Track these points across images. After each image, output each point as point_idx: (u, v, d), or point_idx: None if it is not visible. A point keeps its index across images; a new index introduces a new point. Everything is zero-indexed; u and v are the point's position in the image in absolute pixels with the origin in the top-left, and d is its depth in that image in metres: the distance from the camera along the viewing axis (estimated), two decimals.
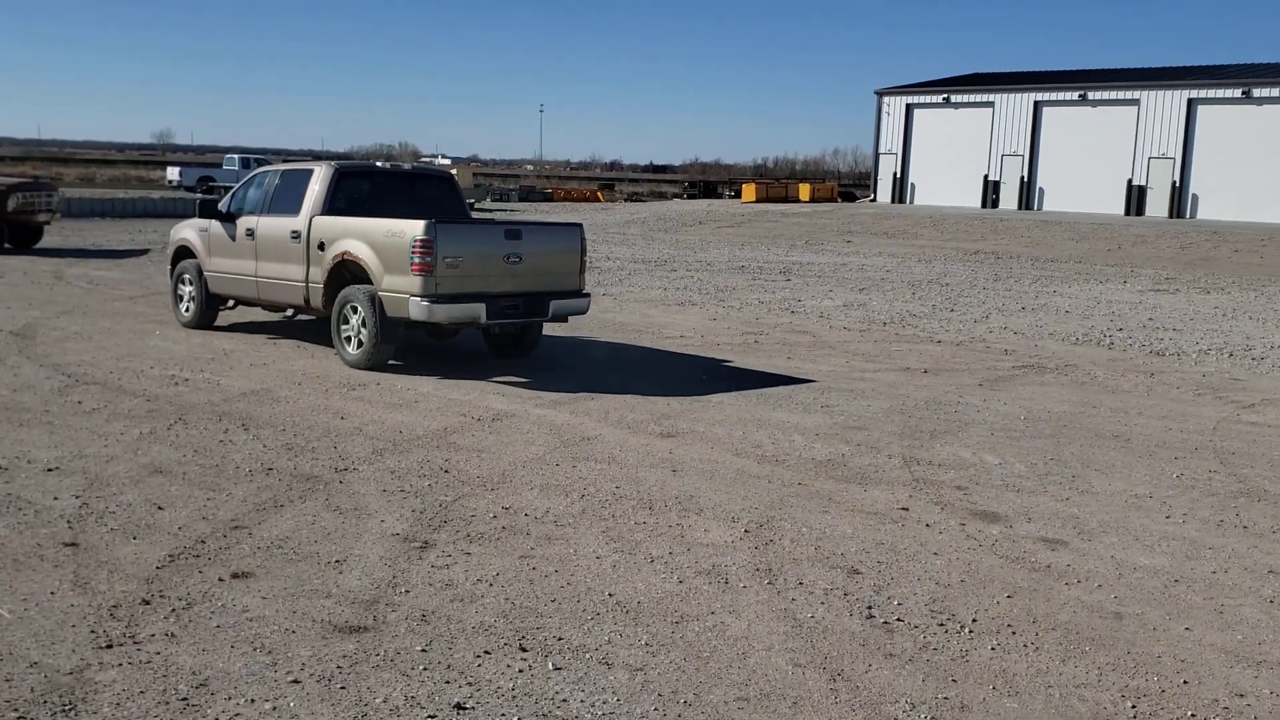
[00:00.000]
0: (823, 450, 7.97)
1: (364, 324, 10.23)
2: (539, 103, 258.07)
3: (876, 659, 4.52)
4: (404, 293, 9.83)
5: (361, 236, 10.31)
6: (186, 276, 12.69)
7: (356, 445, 7.64)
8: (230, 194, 12.31)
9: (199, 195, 13.51)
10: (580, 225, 11.17)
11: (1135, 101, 46.36)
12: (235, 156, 53.35)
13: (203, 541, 5.61)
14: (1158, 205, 45.06)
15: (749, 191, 57.50)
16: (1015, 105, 50.22)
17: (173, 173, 54.75)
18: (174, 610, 4.73)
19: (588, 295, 11.13)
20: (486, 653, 4.43)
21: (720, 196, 65.62)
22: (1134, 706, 4.18)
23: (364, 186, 11.41)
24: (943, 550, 5.91)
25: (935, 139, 52.93)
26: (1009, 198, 50.11)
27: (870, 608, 5.06)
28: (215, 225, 12.14)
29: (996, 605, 5.15)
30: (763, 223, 38.54)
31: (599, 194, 61.57)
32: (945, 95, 53.09)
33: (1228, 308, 17.87)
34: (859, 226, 36.97)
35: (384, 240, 10.04)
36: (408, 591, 5.04)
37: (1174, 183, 44.54)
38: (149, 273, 18.84)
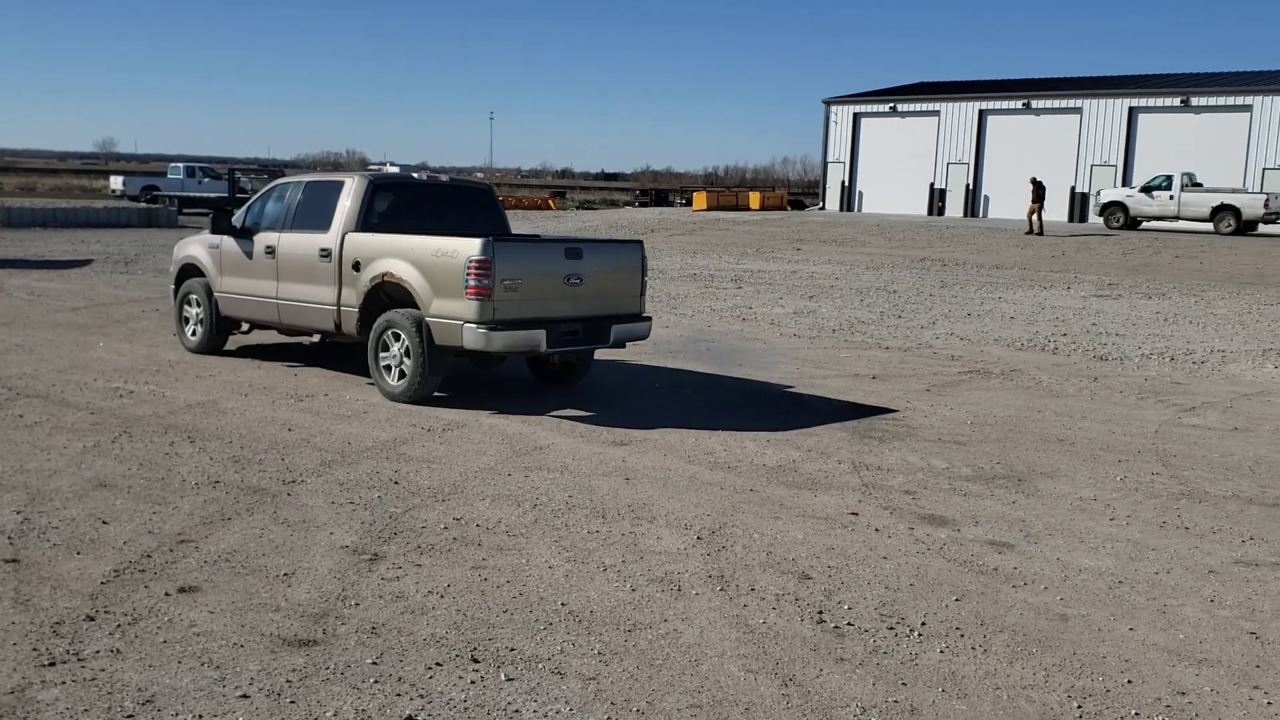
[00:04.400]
0: (774, 456, 8.02)
1: (407, 353, 9.24)
2: (489, 110, 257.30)
3: (827, 663, 4.55)
4: (456, 318, 8.84)
5: (406, 256, 9.30)
6: (193, 297, 11.59)
7: (304, 457, 7.56)
8: (245, 208, 11.27)
9: (212, 210, 12.23)
10: (641, 242, 10.22)
11: (1078, 110, 47.21)
12: (180, 165, 52.61)
13: (148, 556, 5.52)
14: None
15: (700, 200, 57.71)
16: (960, 114, 50.93)
17: (116, 182, 53.92)
18: (119, 626, 4.66)
19: (649, 319, 10.14)
20: (438, 664, 4.41)
21: (671, 204, 65.79)
22: (1080, 706, 4.25)
23: (399, 199, 10.37)
24: (892, 554, 5.97)
25: (882, 147, 53.52)
26: (955, 205, 50.77)
27: (821, 612, 5.10)
28: (228, 242, 11.11)
29: (945, 608, 5.21)
30: (714, 230, 38.72)
31: (550, 201, 61.47)
32: (892, 104, 53.71)
33: (1169, 313, 18.23)
34: (808, 234, 37.27)
35: (433, 260, 9.04)
36: (357, 604, 5.00)
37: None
38: (92, 283, 18.54)
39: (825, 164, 56.50)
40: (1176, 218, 38.12)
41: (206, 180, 49.59)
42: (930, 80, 60.58)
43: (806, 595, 5.32)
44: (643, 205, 65.17)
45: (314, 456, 7.58)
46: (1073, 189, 46.34)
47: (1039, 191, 36.18)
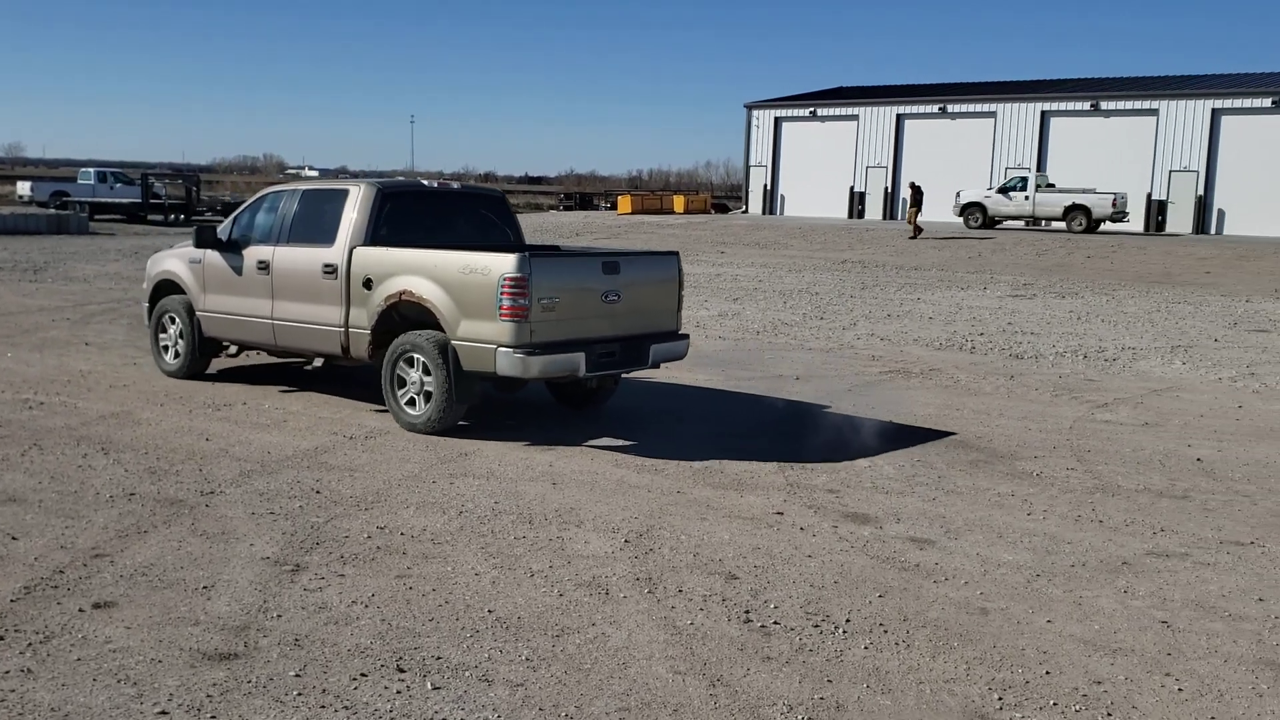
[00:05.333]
0: (700, 458, 8.06)
1: (430, 378, 8.47)
2: (409, 113, 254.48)
3: (754, 662, 4.59)
4: (488, 342, 8.04)
5: (427, 273, 8.42)
6: (171, 316, 10.57)
7: (223, 467, 7.42)
8: (233, 219, 10.22)
9: (197, 222, 11.09)
10: (677, 254, 9.51)
11: (992, 114, 48.23)
12: (91, 170, 51.25)
13: (61, 571, 5.37)
14: None
15: (625, 203, 57.78)
16: (878, 118, 51.73)
17: (24, 187, 52.24)
18: (30, 644, 4.52)
19: (686, 337, 9.42)
20: (363, 675, 4.35)
21: (596, 208, 65.81)
22: (1000, 698, 4.34)
23: (409, 209, 9.43)
24: (816, 553, 6.04)
25: (803, 151, 54.13)
26: (874, 208, 51.53)
27: (748, 612, 5.14)
28: (212, 256, 10.11)
29: (869, 605, 5.29)
30: (639, 234, 38.80)
31: None
32: (812, 109, 54.37)
33: (1082, 312, 18.70)
34: (732, 238, 37.54)
35: (460, 278, 8.20)
36: (279, 616, 4.91)
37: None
38: None
39: (748, 168, 56.98)
40: (1032, 217, 40.06)
41: (119, 185, 48.35)
42: (849, 85, 61.48)
43: (733, 595, 5.35)
44: (567, 209, 65.09)
45: (233, 466, 7.44)
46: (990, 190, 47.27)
47: (917, 196, 37.16)
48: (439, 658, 4.54)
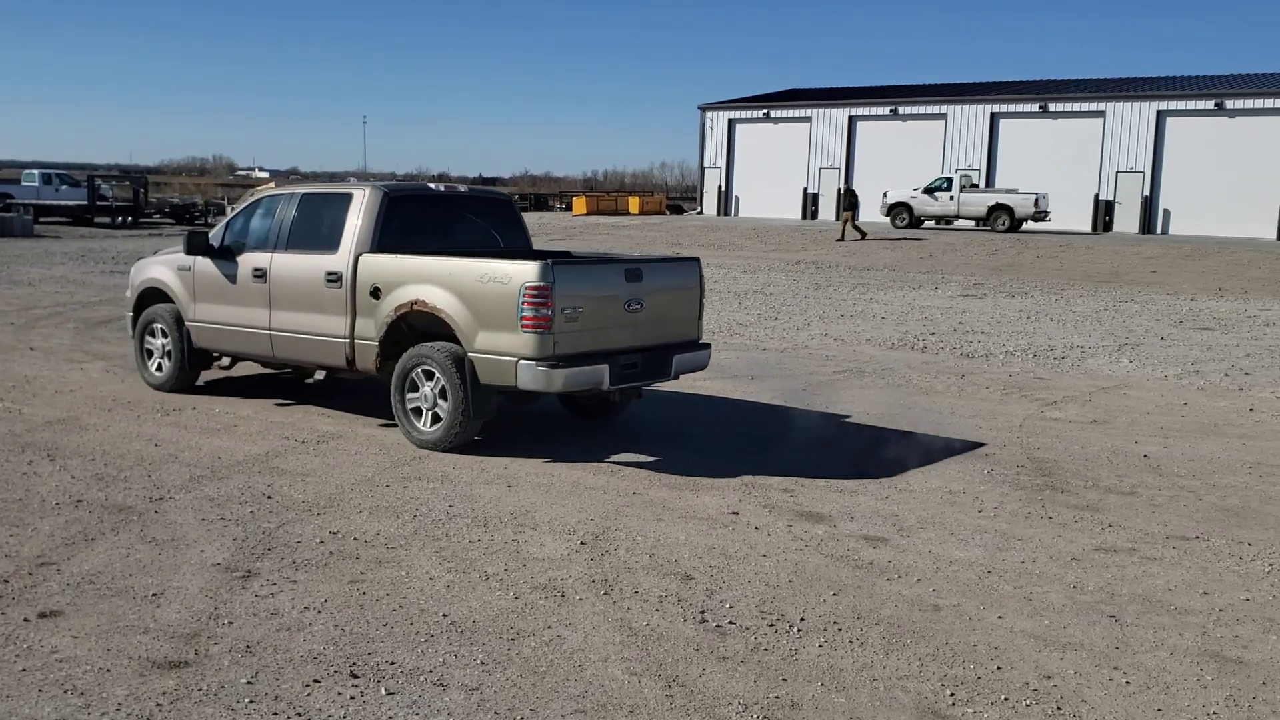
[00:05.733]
0: (655, 459, 8.07)
1: (443, 394, 8.01)
2: (362, 114, 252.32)
3: (710, 662, 4.60)
4: (508, 354, 7.65)
5: (441, 281, 8.00)
6: (158, 327, 10.07)
7: (172, 473, 7.32)
8: (225, 224, 9.72)
9: (187, 229, 10.19)
10: (698, 260, 9.12)
11: (943, 115, 48.72)
12: (35, 172, 50.29)
13: (5, 581, 5.27)
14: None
15: (580, 204, 57.72)
16: (831, 120, 52.09)
17: None
18: None
19: (708, 346, 9.06)
20: (316, 681, 4.31)
21: (551, 209, 65.71)
22: (952, 694, 4.38)
23: (415, 214, 9.00)
24: (771, 552, 6.07)
25: (757, 153, 54.39)
26: (827, 209, 51.86)
27: (703, 612, 5.15)
28: (203, 263, 9.62)
29: (823, 603, 5.32)
30: (594, 235, 38.79)
31: None
32: (765, 110, 54.62)
33: (1031, 311, 18.95)
34: (687, 239, 37.64)
35: (477, 287, 7.78)
36: (231, 623, 4.86)
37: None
38: None
39: (702, 169, 57.15)
40: (956, 216, 40.89)
41: (65, 187, 47.48)
42: (802, 87, 61.85)
43: (689, 596, 5.37)
44: (522, 210, 64.84)
45: (182, 472, 7.34)
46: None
47: (851, 200, 37.66)
48: (393, 663, 4.51)
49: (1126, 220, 43.87)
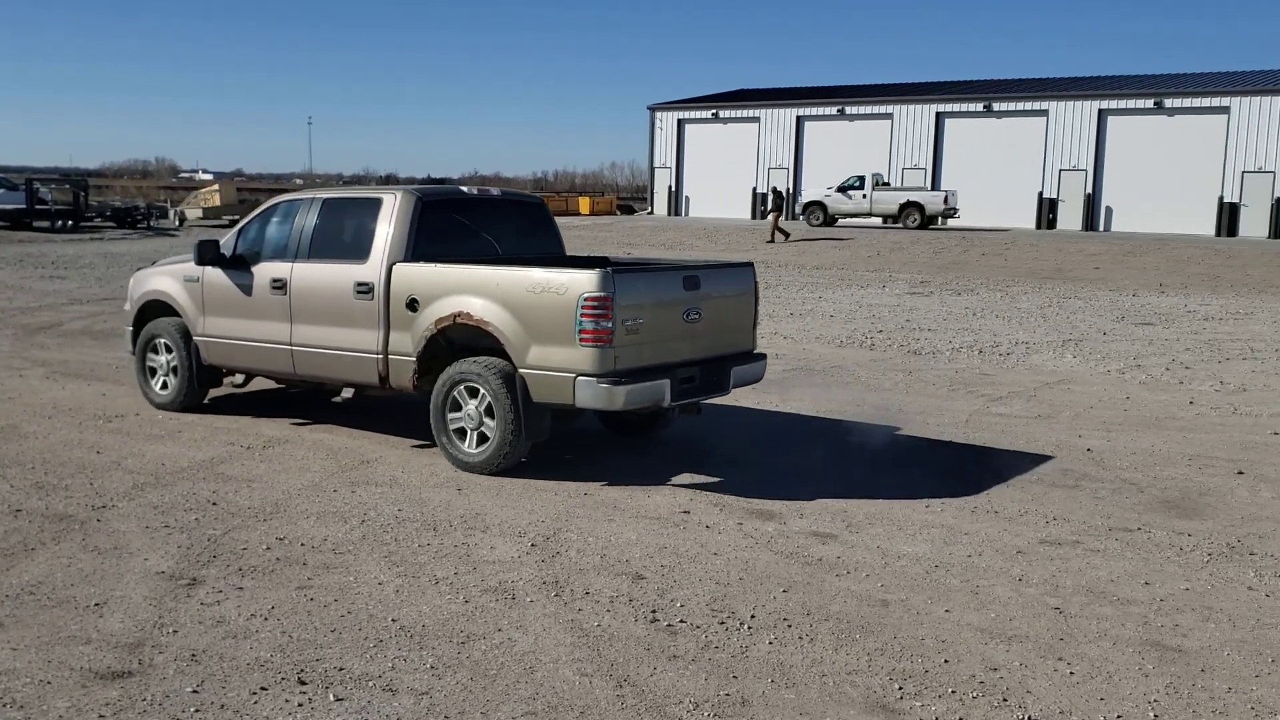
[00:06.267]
0: (607, 459, 8.07)
1: (489, 412, 7.50)
2: (307, 115, 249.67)
3: (661, 661, 4.61)
4: (565, 370, 7.16)
5: (488, 292, 7.48)
6: (162, 342, 9.45)
7: (115, 481, 7.20)
8: (237, 232, 9.11)
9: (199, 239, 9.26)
10: (752, 265, 8.53)
11: (889, 115, 49.18)
12: None
13: None
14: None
15: None
16: (779, 120, 52.39)
17: None
18: None
19: (764, 357, 8.56)
20: (263, 689, 4.26)
21: None
22: (900, 688, 4.43)
23: (450, 219, 8.43)
24: (722, 550, 6.09)
25: (707, 153, 54.56)
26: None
27: (654, 611, 5.16)
28: (213, 274, 9.02)
29: (773, 600, 5.35)
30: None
31: None
32: (714, 111, 54.81)
33: (977, 308, 19.19)
34: (638, 239, 37.68)
35: (528, 298, 7.28)
36: (175, 632, 4.79)
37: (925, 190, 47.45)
38: None
39: (652, 169, 57.23)
40: (869, 214, 41.81)
41: (2, 191, 46.55)
42: (751, 88, 62.14)
43: (640, 595, 5.37)
44: None
45: (125, 479, 7.23)
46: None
47: (779, 201, 38.09)
48: (341, 669, 4.47)
49: (1070, 217, 44.55)
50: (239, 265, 8.91)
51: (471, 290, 7.59)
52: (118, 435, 8.53)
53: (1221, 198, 41.19)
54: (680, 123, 55.66)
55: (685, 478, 7.61)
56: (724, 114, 54.45)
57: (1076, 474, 7.95)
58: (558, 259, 9.03)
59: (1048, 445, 8.83)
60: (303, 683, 4.33)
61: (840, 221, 42.99)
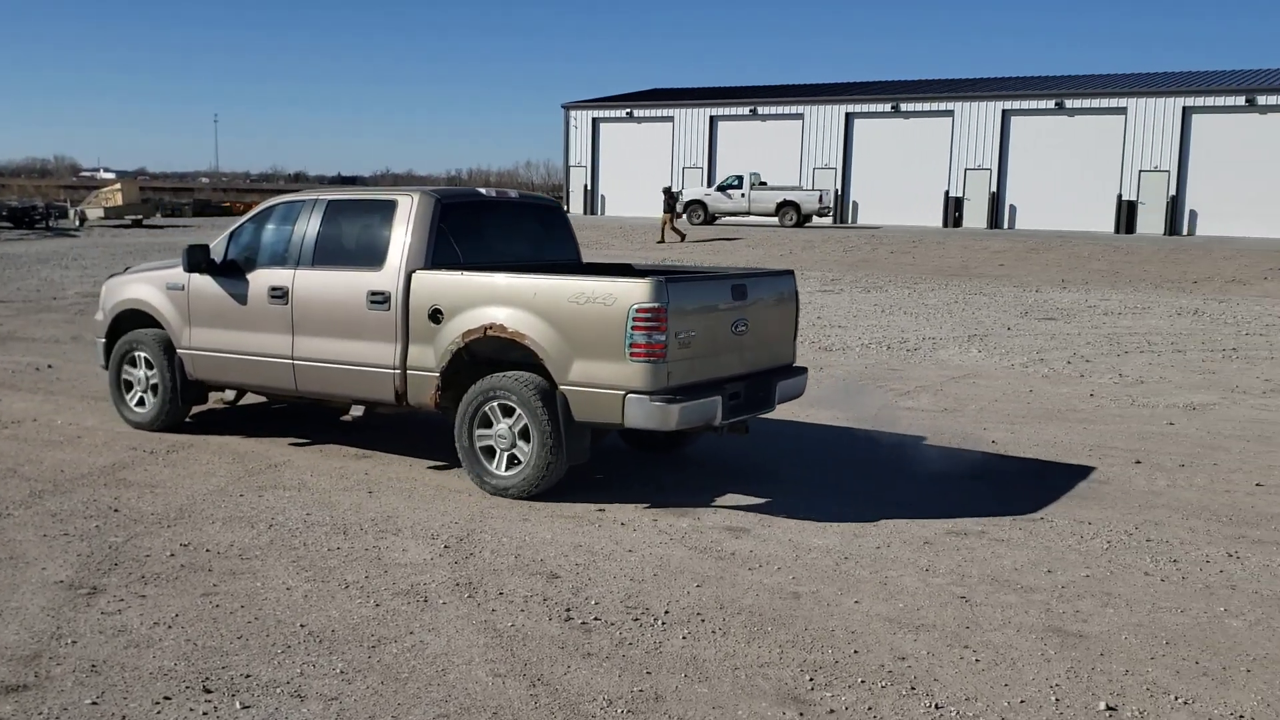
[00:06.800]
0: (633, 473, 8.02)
1: (524, 434, 6.98)
2: (213, 112, 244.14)
3: (575, 660, 4.61)
4: (613, 387, 6.65)
5: (523, 303, 6.93)
6: (141, 355, 8.71)
7: (11, 488, 6.96)
8: (227, 237, 8.39)
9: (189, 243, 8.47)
10: (793, 273, 8.11)
11: (800, 116, 49.76)
12: None
13: None
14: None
15: None
16: (693, 119, 52.65)
17: None
18: None
19: (805, 371, 8.09)
20: (166, 698, 4.16)
21: None
22: (811, 679, 4.49)
23: (471, 222, 7.88)
24: (637, 547, 6.11)
25: (622, 152, 54.61)
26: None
27: (569, 610, 5.16)
28: (200, 282, 8.33)
29: (687, 595, 5.38)
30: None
31: None
32: (628, 110, 54.88)
33: (885, 304, 19.52)
34: None
35: (571, 309, 6.76)
36: (74, 642, 4.65)
37: (836, 191, 48.14)
38: None
39: (567, 168, 57.10)
40: (748, 213, 43.06)
41: None
42: (665, 87, 62.37)
43: (555, 594, 5.36)
44: None
45: (22, 487, 6.99)
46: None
47: (670, 201, 38.57)
48: (248, 676, 4.38)
49: (975, 216, 45.50)
50: (231, 272, 8.22)
51: (505, 300, 7.02)
52: (14, 441, 8.25)
53: (1120, 196, 42.45)
54: (595, 121, 55.63)
55: (606, 477, 7.60)
56: (638, 113, 54.55)
57: (982, 466, 8.14)
58: (583, 266, 8.59)
59: (954, 438, 9.02)
60: (208, 691, 4.23)
61: (720, 220, 43.82)
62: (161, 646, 4.63)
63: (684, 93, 58.53)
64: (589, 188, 55.65)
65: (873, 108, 48.25)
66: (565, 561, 5.85)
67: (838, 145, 48.71)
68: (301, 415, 9.23)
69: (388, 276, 7.47)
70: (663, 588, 5.49)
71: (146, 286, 8.80)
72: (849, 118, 48.60)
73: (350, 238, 7.84)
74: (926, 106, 47.05)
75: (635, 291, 6.59)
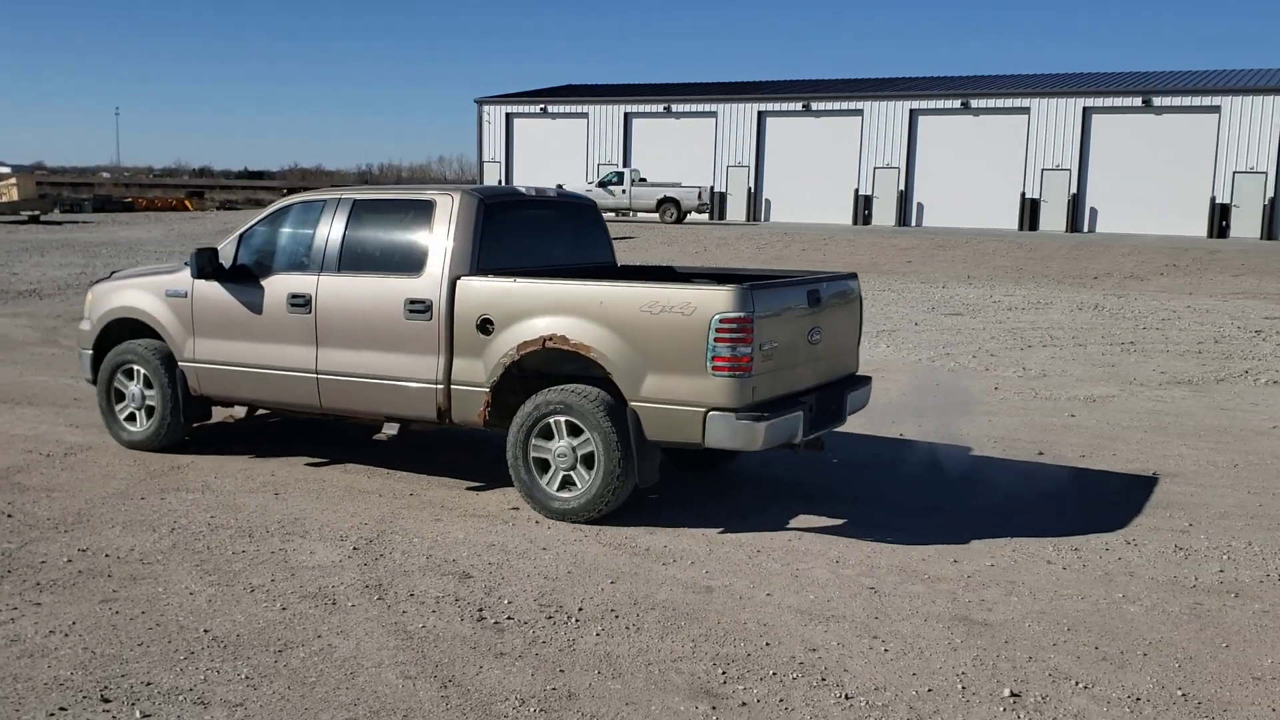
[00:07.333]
0: (435, 457, 7.94)
1: (586, 460, 6.49)
2: (114, 105, 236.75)
3: (487, 660, 4.57)
4: (692, 404, 6.18)
5: (588, 312, 6.43)
6: (137, 369, 7.98)
7: None
8: (238, 240, 7.71)
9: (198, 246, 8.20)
10: (856, 275, 7.70)
11: (714, 114, 50.08)
12: None
13: None
14: (736, 210, 49.02)
15: None
16: (608, 116, 52.68)
17: None
18: None
19: (869, 380, 7.72)
20: (62, 709, 4.03)
21: None
22: (724, 672, 4.51)
23: (514, 224, 7.38)
24: (551, 545, 6.08)
25: (537, 147, 54.40)
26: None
27: (481, 610, 5.11)
28: (206, 288, 7.67)
29: (601, 592, 5.38)
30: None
31: (187, 202, 57.68)
32: (543, 105, 54.69)
33: None
34: None
35: (643, 318, 6.28)
36: None
37: (749, 188, 48.62)
38: None
39: (481, 163, 56.67)
40: (629, 209, 43.76)
41: None
42: (579, 83, 62.24)
43: (467, 595, 5.31)
44: None
45: None
46: (713, 189, 49.13)
47: None
48: (149, 684, 4.26)
49: (884, 214, 46.29)
50: (242, 278, 7.58)
51: (566, 309, 6.52)
52: None
53: (1024, 194, 43.55)
54: (509, 117, 55.32)
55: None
56: (552, 109, 54.40)
57: (891, 458, 8.27)
58: (621, 270, 8.28)
59: (862, 431, 9.15)
60: (106, 700, 4.11)
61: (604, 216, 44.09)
62: (57, 656, 4.48)
63: (599, 89, 58.48)
64: (503, 183, 55.26)
65: (784, 106, 48.80)
66: (478, 561, 5.80)
67: (750, 143, 49.16)
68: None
69: (428, 284, 6.91)
70: (577, 585, 5.47)
71: (142, 293, 8.06)
72: (761, 116, 49.07)
73: (382, 241, 7.31)
74: (837, 106, 47.72)
75: (718, 300, 6.12)
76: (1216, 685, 4.47)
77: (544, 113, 54.49)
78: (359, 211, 7.39)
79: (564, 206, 8.16)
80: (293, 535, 6.15)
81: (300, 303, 7.32)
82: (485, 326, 6.76)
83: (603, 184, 43.73)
